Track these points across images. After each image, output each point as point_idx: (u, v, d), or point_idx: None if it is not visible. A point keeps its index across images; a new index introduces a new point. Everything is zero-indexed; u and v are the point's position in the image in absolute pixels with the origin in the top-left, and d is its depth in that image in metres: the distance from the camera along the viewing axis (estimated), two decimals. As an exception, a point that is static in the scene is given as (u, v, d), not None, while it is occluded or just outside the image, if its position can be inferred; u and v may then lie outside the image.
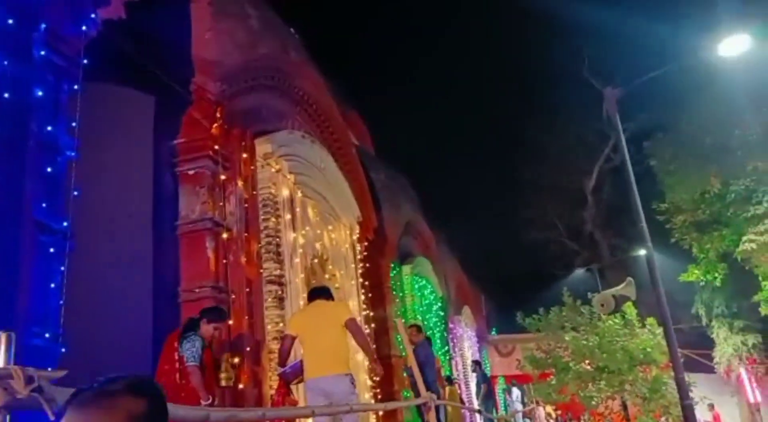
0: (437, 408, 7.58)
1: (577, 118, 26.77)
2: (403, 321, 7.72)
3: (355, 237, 11.12)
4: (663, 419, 14.33)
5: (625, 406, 15.68)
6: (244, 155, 7.70)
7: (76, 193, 4.62)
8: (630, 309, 14.72)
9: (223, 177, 7.18)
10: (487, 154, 37.31)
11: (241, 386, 6.61)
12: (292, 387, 6.20)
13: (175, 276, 6.77)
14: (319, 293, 6.01)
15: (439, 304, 18.14)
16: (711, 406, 16.84)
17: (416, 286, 15.63)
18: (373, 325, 12.26)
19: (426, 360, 8.16)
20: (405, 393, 13.40)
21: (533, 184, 29.88)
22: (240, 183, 7.56)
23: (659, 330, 13.02)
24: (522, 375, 19.91)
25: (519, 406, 19.84)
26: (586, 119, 25.97)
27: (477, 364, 15.77)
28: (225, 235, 6.98)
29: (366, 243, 12.47)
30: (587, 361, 15.17)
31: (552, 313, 16.11)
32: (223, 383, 5.88)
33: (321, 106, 10.47)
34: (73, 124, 4.71)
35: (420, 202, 19.26)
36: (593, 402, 15.48)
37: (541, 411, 25.91)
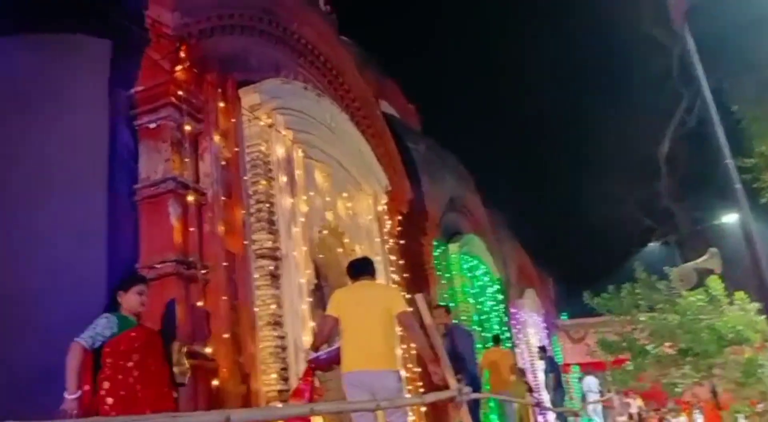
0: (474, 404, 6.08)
1: (643, 83, 24.49)
2: (421, 295, 6.20)
3: (381, 208, 9.68)
4: (761, 406, 12.32)
5: (715, 393, 13.55)
6: (222, 104, 6.41)
7: None
8: (715, 283, 12.68)
9: (188, 128, 5.91)
10: (549, 133, 35.18)
11: (215, 382, 5.32)
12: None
13: (134, 249, 5.55)
14: (364, 269, 4.68)
15: (496, 287, 16.47)
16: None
17: (465, 266, 14.05)
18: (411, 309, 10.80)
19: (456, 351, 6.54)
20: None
21: (600, 159, 27.75)
22: (217, 138, 6.27)
23: (751, 306, 11.21)
24: (596, 363, 17.80)
25: (595, 396, 17.92)
26: (653, 82, 23.67)
27: (543, 350, 13.81)
28: (191, 198, 5.71)
29: (400, 218, 11.03)
30: (667, 344, 13.24)
31: (624, 291, 14.26)
32: (178, 380, 4.60)
33: (331, 59, 9.10)
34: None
35: (474, 180, 17.64)
36: (677, 390, 13.43)
37: (616, 401, 23.83)
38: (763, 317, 11.40)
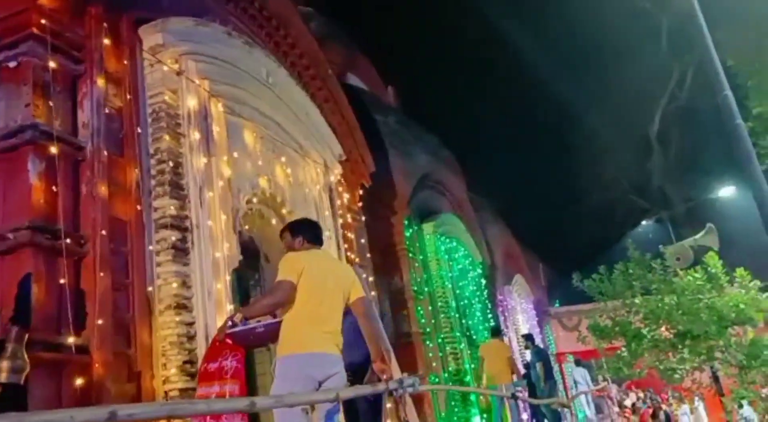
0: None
1: (632, 60, 23.43)
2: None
3: (334, 179, 8.52)
4: (765, 391, 11.22)
5: (716, 378, 12.37)
6: (107, 41, 5.23)
7: None
8: (713, 261, 11.59)
9: (52, 64, 4.72)
10: (540, 118, 34.04)
11: (79, 381, 4.15)
12: None
13: (-17, 216, 4.38)
14: (320, 234, 3.75)
15: (479, 271, 15.34)
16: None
17: (442, 248, 12.91)
18: (374, 293, 9.69)
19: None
20: (433, 378, 10.78)
21: (592, 141, 26.72)
22: (101, 82, 5.10)
23: (753, 283, 10.18)
24: (590, 351, 16.64)
25: (584, 387, 16.79)
26: (642, 58, 22.64)
27: (528, 339, 12.61)
28: (57, 151, 4.53)
29: (361, 192, 9.89)
30: (664, 327, 12.14)
31: (616, 272, 13.17)
32: (4, 377, 3.46)
33: (273, 10, 7.94)
34: None
35: (458, 162, 16.48)
36: (676, 376, 12.27)
37: (614, 390, 22.72)
38: (766, 295, 10.36)
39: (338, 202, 8.42)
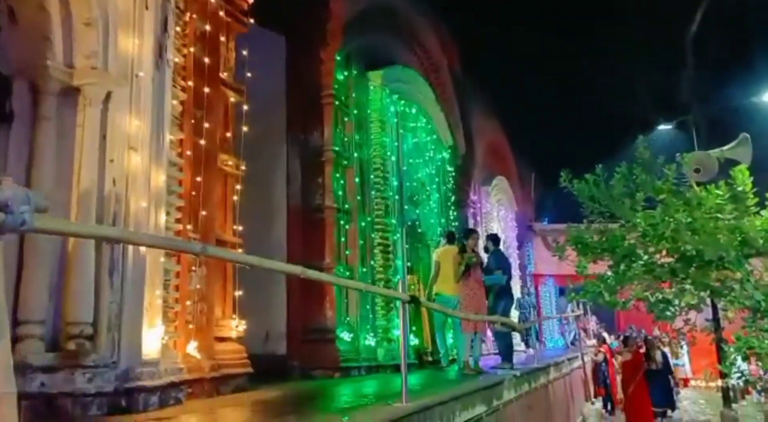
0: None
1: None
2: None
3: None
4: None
5: (717, 321, 9.60)
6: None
7: None
8: (741, 177, 8.59)
9: None
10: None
11: None
12: None
13: None
14: None
15: (444, 156, 12.25)
16: None
17: (392, 110, 9.73)
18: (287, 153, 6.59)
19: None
20: (340, 271, 7.90)
21: (615, 45, 23.02)
22: None
23: None
24: (568, 277, 13.61)
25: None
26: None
27: (493, 240, 9.03)
28: None
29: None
30: (665, 249, 9.38)
31: (617, 174, 10.09)
32: None
33: None
34: None
35: (446, 26, 12.94)
36: (668, 313, 9.62)
37: (592, 322, 20.18)
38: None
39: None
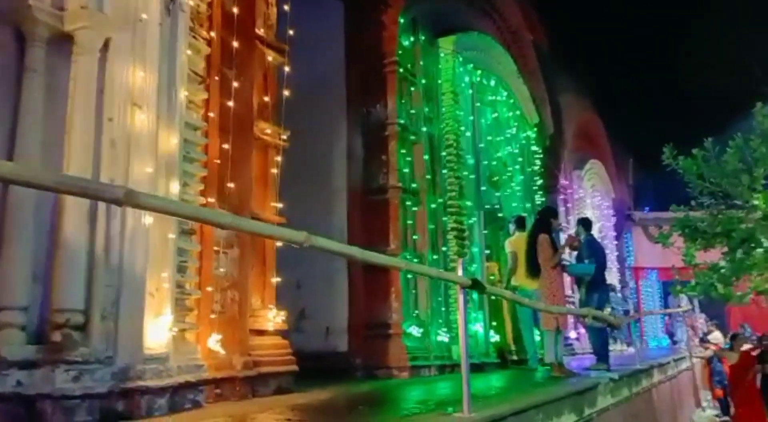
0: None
1: None
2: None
3: None
4: None
5: None
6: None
7: None
8: None
9: None
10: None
11: None
12: None
13: None
14: None
15: (528, 134, 11.11)
16: None
17: (466, 80, 8.74)
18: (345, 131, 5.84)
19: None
20: (406, 256, 7.02)
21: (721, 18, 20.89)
22: None
23: None
24: (681, 269, 11.98)
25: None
26: None
27: (584, 225, 7.66)
28: None
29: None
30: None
31: (731, 148, 8.80)
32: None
33: None
34: None
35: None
36: (793, 309, 8.06)
37: (701, 319, 18.18)
38: None
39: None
